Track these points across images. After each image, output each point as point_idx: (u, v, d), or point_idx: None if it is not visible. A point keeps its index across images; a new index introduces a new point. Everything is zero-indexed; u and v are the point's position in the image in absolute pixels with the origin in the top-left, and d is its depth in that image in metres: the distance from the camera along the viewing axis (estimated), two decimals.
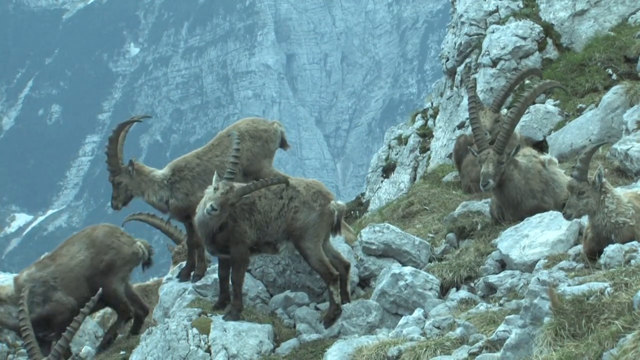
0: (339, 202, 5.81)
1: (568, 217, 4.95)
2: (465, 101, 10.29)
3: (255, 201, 5.63)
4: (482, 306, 5.05)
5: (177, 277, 6.46)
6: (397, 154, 12.92)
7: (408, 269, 5.72)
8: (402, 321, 5.08)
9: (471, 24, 10.75)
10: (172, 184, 6.38)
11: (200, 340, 5.37)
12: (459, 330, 4.54)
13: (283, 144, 6.57)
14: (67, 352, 6.52)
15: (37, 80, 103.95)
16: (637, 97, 7.85)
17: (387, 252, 6.33)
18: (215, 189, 5.43)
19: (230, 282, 5.81)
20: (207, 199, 5.45)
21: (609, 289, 3.84)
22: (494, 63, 10.04)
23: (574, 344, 3.61)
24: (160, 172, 6.47)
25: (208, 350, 5.32)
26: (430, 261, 6.40)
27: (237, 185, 5.49)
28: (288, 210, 5.62)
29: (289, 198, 5.64)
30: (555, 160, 6.93)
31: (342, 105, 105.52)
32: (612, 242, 4.90)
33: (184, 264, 6.82)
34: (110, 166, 6.38)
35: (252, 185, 5.48)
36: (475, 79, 8.73)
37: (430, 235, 7.04)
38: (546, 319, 3.83)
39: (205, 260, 6.46)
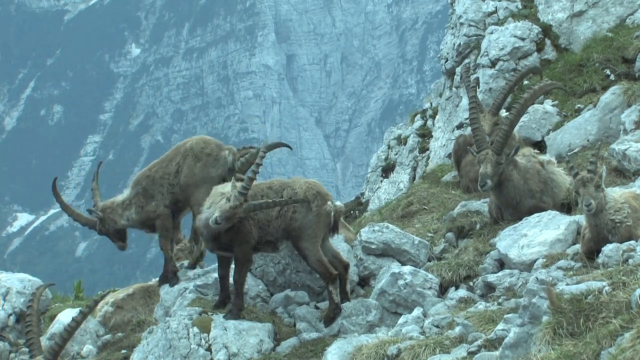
0: (337, 202, 5.83)
1: (592, 209, 4.94)
2: (464, 102, 10.32)
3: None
4: (481, 305, 5.08)
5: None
6: (396, 154, 12.95)
7: (407, 268, 5.75)
8: (401, 320, 5.10)
9: (470, 25, 10.79)
10: (131, 199, 6.66)
11: (201, 339, 5.41)
12: (458, 329, 4.56)
13: (231, 169, 6.48)
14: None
15: (39, 81, 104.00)
16: (634, 97, 7.88)
17: (387, 252, 6.35)
18: (228, 199, 5.42)
19: (231, 281, 5.84)
20: (217, 208, 5.45)
21: (606, 288, 3.86)
22: (493, 64, 10.07)
23: (572, 342, 3.63)
24: (120, 197, 6.81)
25: (209, 349, 5.35)
26: (429, 260, 6.43)
27: (250, 194, 5.45)
28: (287, 210, 5.64)
29: (288, 198, 5.66)
30: (554, 160, 6.95)
31: (342, 106, 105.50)
32: (610, 242, 4.93)
33: (185, 263, 6.87)
34: (84, 225, 6.86)
35: (264, 203, 5.49)
36: (477, 79, 8.76)
37: (430, 234, 7.06)
38: (544, 318, 3.85)
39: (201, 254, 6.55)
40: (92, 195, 6.96)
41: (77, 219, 6.91)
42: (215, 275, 6.12)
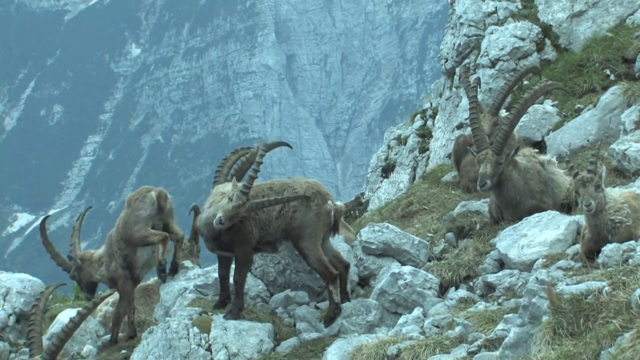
0: (338, 202, 5.83)
1: (592, 209, 4.94)
2: (464, 102, 10.33)
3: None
4: (481, 305, 5.07)
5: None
6: (396, 154, 12.95)
7: (407, 268, 5.75)
8: (401, 320, 5.09)
9: (470, 25, 10.79)
10: (103, 256, 7.00)
11: (201, 339, 5.40)
12: (458, 329, 4.56)
13: (160, 209, 6.79)
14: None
15: (39, 81, 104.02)
16: (634, 97, 7.88)
17: (387, 252, 6.35)
18: (230, 199, 5.43)
19: (231, 281, 5.84)
20: (219, 208, 5.45)
21: (606, 288, 3.85)
22: (493, 64, 10.08)
23: (572, 342, 3.62)
24: (98, 252, 7.10)
25: (209, 349, 5.35)
26: (429, 260, 6.43)
27: (251, 195, 5.48)
28: (287, 209, 5.64)
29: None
30: (555, 160, 6.95)
31: (342, 106, 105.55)
32: (610, 242, 4.93)
33: (185, 263, 6.88)
34: (59, 265, 7.11)
35: (267, 201, 5.50)
36: (478, 79, 8.77)
37: (430, 234, 7.06)
38: (544, 318, 3.85)
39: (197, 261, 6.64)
40: (72, 235, 7.24)
41: (55, 258, 7.20)
42: (215, 275, 6.11)
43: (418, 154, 12.18)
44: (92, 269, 7.05)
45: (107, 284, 7.23)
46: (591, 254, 5.02)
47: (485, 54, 10.19)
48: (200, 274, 6.50)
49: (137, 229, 6.65)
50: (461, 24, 10.95)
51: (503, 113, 8.31)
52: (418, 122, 12.78)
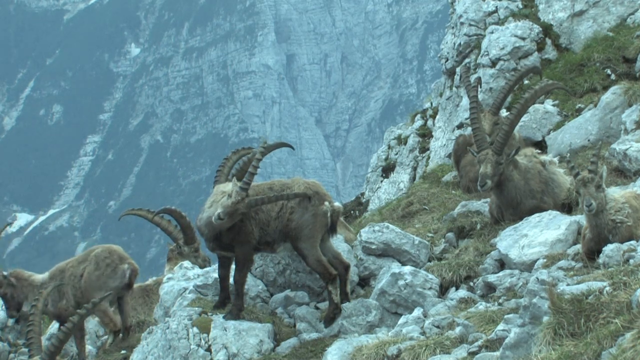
0: (336, 203, 5.81)
1: (593, 209, 4.94)
2: (464, 101, 10.33)
3: None
4: (482, 305, 5.07)
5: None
6: (396, 154, 12.95)
7: (407, 269, 5.74)
8: (401, 320, 5.09)
9: (470, 25, 10.78)
10: (49, 288, 6.82)
11: (200, 339, 5.40)
12: (458, 330, 4.56)
13: (128, 285, 6.90)
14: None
15: (39, 81, 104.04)
16: (635, 97, 7.88)
17: (387, 252, 6.34)
18: (229, 195, 5.42)
19: (231, 282, 5.83)
20: (219, 204, 5.45)
21: (607, 288, 3.85)
22: (493, 63, 10.07)
23: (573, 343, 3.61)
24: (40, 277, 7.03)
25: (208, 350, 5.34)
26: (429, 261, 6.42)
27: (251, 194, 5.46)
28: (285, 210, 5.63)
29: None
30: (556, 160, 6.94)
31: (342, 106, 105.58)
32: (611, 242, 4.93)
33: (185, 263, 6.87)
34: None
35: (266, 198, 5.49)
36: (479, 78, 8.76)
37: (430, 234, 7.06)
38: (545, 318, 3.84)
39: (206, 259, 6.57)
40: None
41: None
42: (215, 275, 6.10)
43: (418, 154, 12.17)
44: (28, 292, 6.98)
45: (49, 317, 7.17)
46: (592, 254, 5.01)
47: (486, 53, 10.18)
48: (200, 274, 6.49)
49: (99, 295, 6.58)
50: (461, 23, 10.94)
51: (503, 113, 8.30)
52: (418, 122, 12.78)
